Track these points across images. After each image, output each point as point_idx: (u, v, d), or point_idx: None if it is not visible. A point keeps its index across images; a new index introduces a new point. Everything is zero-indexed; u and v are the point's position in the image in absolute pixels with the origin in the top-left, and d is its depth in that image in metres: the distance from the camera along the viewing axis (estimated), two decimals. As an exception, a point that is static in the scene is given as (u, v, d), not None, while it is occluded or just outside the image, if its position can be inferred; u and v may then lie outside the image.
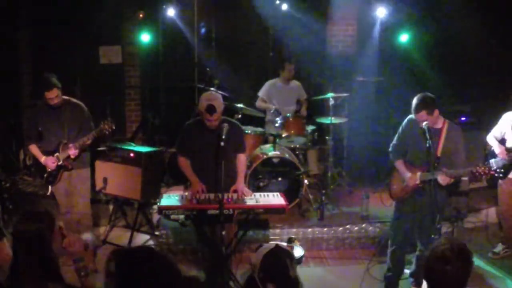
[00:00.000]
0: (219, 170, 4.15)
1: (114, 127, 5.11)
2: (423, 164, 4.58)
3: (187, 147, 4.68)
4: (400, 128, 4.79)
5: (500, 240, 5.76)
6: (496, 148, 5.45)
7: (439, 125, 4.56)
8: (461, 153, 4.57)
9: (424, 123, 4.45)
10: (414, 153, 4.68)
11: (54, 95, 4.94)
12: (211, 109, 4.35)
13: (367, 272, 5.20)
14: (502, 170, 5.27)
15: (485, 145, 5.87)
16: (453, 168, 4.50)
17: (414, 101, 4.50)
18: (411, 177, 4.60)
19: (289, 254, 3.05)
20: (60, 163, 5.13)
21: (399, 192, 4.76)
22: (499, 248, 5.63)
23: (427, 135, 4.39)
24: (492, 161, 5.46)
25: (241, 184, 4.61)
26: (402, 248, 4.90)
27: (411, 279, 4.94)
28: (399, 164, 4.74)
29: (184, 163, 4.70)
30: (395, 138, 4.85)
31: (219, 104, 4.43)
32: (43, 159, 5.14)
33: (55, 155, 5.12)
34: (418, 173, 4.59)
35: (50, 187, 5.22)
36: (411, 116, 4.68)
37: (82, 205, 5.37)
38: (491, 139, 5.56)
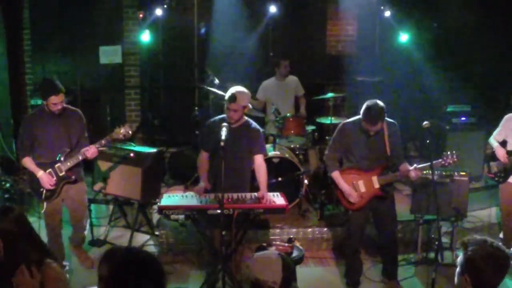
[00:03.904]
0: (219, 170, 4.16)
1: (130, 132, 4.84)
2: (374, 167, 4.62)
3: (207, 142, 4.69)
4: (335, 134, 4.75)
5: (499, 241, 5.75)
6: (497, 150, 5.38)
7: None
8: (400, 145, 4.70)
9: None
10: (360, 157, 4.65)
11: (60, 100, 4.65)
12: (232, 97, 4.43)
13: (366, 272, 5.20)
14: (502, 174, 5.26)
15: (485, 147, 5.85)
16: (397, 162, 4.61)
17: (371, 112, 4.42)
18: (352, 193, 4.61)
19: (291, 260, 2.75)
20: (62, 174, 4.75)
21: (359, 201, 4.68)
22: None
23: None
24: (492, 163, 5.43)
25: (264, 190, 4.57)
26: (359, 248, 5.01)
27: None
28: (337, 176, 4.68)
29: (203, 159, 4.72)
30: (329, 146, 4.79)
31: (242, 98, 4.47)
32: (40, 173, 4.70)
33: (56, 165, 4.74)
34: (374, 177, 4.60)
35: (45, 204, 4.80)
36: (346, 121, 4.74)
37: (78, 220, 5.09)
38: (493, 141, 5.48)
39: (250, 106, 4.68)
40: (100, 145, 4.79)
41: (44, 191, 4.75)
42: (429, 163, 4.49)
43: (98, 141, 4.81)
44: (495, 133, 5.50)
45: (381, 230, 4.92)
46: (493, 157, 5.46)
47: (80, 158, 4.76)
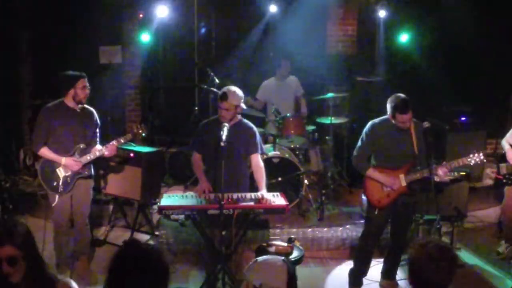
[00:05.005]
0: (218, 170, 4.16)
1: (146, 132, 4.99)
2: (401, 165, 4.64)
3: (201, 143, 4.69)
4: (365, 135, 4.76)
5: (502, 238, 5.73)
6: (508, 152, 5.32)
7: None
8: (426, 146, 4.69)
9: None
10: (389, 156, 4.68)
11: (87, 84, 4.77)
12: (222, 96, 4.46)
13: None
14: (511, 177, 5.27)
15: (485, 146, 5.85)
16: (422, 164, 4.62)
17: (401, 101, 4.50)
18: (395, 181, 4.61)
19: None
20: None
21: (385, 199, 4.69)
22: (502, 247, 5.60)
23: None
24: (501, 165, 5.41)
25: (263, 190, 4.58)
26: (374, 247, 4.99)
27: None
28: (373, 172, 4.70)
29: (196, 160, 4.73)
30: (358, 147, 4.79)
31: (233, 96, 4.49)
32: (63, 160, 4.71)
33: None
34: (402, 176, 4.61)
35: (57, 196, 4.76)
36: (375, 121, 4.76)
37: (83, 217, 5.01)
38: (504, 143, 5.42)
39: (244, 106, 4.68)
40: (118, 143, 4.89)
41: (57, 184, 4.76)
42: (457, 161, 4.57)
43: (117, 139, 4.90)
44: (508, 135, 5.44)
45: (395, 232, 4.94)
46: (503, 158, 5.44)
47: (98, 154, 4.84)
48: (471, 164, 4.67)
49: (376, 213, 4.75)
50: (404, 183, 4.62)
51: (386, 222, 4.90)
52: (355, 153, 4.82)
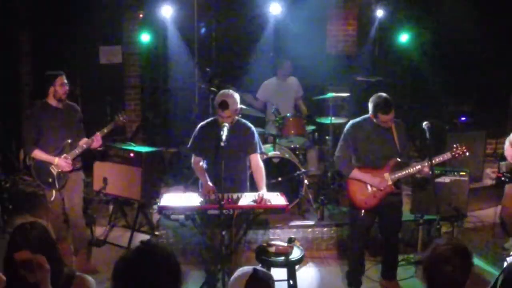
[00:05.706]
0: (219, 170, 4.16)
1: (125, 120, 5.21)
2: (385, 164, 4.62)
3: (200, 145, 4.69)
4: (346, 135, 4.73)
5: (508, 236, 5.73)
6: (507, 150, 5.36)
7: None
8: (407, 145, 4.72)
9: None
10: (371, 156, 4.66)
11: (65, 80, 4.93)
12: (223, 105, 4.42)
13: (366, 272, 5.20)
14: (509, 175, 5.28)
15: (485, 146, 5.86)
16: (406, 160, 4.63)
17: (383, 100, 4.49)
18: (381, 181, 4.58)
19: (269, 275, 2.64)
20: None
21: (372, 200, 4.66)
22: (510, 242, 5.58)
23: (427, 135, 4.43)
24: (502, 163, 5.44)
25: (263, 190, 4.57)
26: (363, 248, 5.01)
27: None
28: (358, 173, 4.66)
29: (196, 163, 4.73)
30: (340, 147, 4.77)
31: (233, 102, 4.48)
32: (56, 160, 4.88)
33: (63, 156, 4.92)
34: (386, 174, 4.59)
35: (54, 192, 4.96)
36: (354, 120, 4.75)
37: (76, 209, 5.12)
38: (507, 142, 5.43)
39: (242, 106, 4.67)
40: (102, 133, 5.05)
41: (52, 181, 4.91)
42: (441, 155, 4.54)
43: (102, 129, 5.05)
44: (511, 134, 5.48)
45: (385, 232, 4.93)
46: (504, 157, 5.47)
47: (85, 147, 5.01)
48: (456, 157, 4.61)
49: (362, 215, 4.72)
50: (390, 182, 4.60)
51: (373, 222, 4.87)
52: (336, 153, 4.80)
